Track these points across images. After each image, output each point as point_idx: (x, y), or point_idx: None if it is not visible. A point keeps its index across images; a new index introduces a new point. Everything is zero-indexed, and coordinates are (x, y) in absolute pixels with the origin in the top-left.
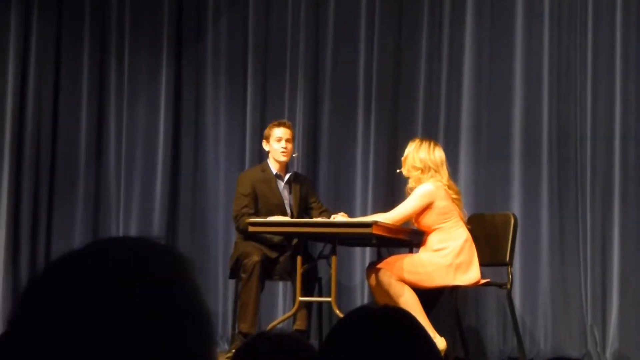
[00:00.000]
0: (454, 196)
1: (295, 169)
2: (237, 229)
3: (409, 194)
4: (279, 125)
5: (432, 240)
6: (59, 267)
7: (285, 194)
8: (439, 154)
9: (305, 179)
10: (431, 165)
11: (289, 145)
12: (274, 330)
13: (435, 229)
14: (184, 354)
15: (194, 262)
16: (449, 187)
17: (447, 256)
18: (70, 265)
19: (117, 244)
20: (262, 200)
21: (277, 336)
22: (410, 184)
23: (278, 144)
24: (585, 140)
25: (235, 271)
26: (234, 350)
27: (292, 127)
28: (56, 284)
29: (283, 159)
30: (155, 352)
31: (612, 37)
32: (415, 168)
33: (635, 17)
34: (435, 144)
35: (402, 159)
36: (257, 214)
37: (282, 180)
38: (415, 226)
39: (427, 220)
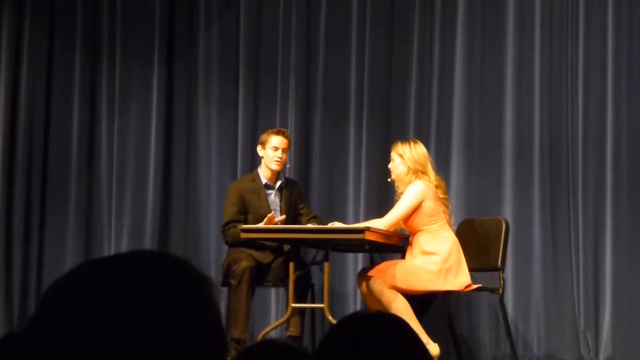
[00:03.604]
0: (441, 195)
1: (287, 175)
2: (226, 243)
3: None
4: (277, 133)
5: (420, 242)
6: (81, 273)
7: (276, 201)
8: (420, 150)
9: (295, 185)
10: (418, 166)
11: (284, 155)
12: (277, 338)
13: (421, 230)
14: None
15: (211, 279)
16: (437, 187)
17: (438, 263)
18: (92, 273)
19: (139, 258)
20: (251, 210)
21: (278, 344)
22: (401, 188)
23: (273, 152)
24: (577, 145)
25: (226, 278)
26: (228, 358)
27: (289, 137)
28: (77, 289)
29: (276, 168)
30: None
31: (604, 42)
32: (404, 173)
33: (626, 22)
34: (415, 142)
35: (389, 167)
36: (246, 224)
37: (273, 189)
38: (403, 227)
39: (414, 221)
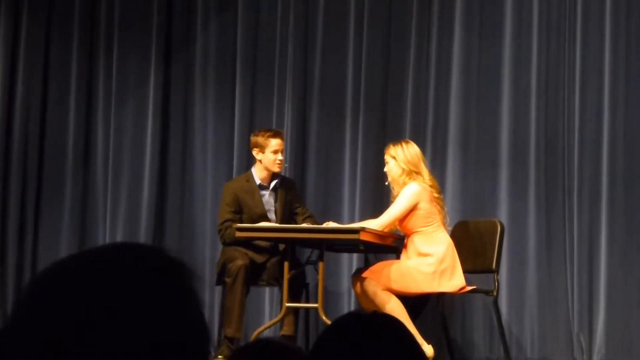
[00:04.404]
0: (436, 195)
1: (282, 174)
2: (223, 243)
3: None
4: (275, 136)
5: (415, 243)
6: (65, 267)
7: (271, 201)
8: (413, 150)
9: (291, 184)
10: (411, 167)
11: (283, 157)
12: (271, 338)
13: (416, 232)
14: None
15: (195, 273)
16: (432, 186)
17: (432, 264)
18: (76, 267)
19: (124, 250)
20: (246, 210)
21: (272, 343)
22: (396, 190)
23: (274, 155)
24: (573, 147)
25: (221, 277)
26: (220, 356)
27: (284, 136)
28: (61, 282)
29: (278, 170)
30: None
31: (601, 45)
32: (398, 175)
33: (623, 25)
34: (407, 142)
35: (385, 170)
36: (241, 223)
37: (267, 189)
38: (398, 228)
39: (410, 223)
